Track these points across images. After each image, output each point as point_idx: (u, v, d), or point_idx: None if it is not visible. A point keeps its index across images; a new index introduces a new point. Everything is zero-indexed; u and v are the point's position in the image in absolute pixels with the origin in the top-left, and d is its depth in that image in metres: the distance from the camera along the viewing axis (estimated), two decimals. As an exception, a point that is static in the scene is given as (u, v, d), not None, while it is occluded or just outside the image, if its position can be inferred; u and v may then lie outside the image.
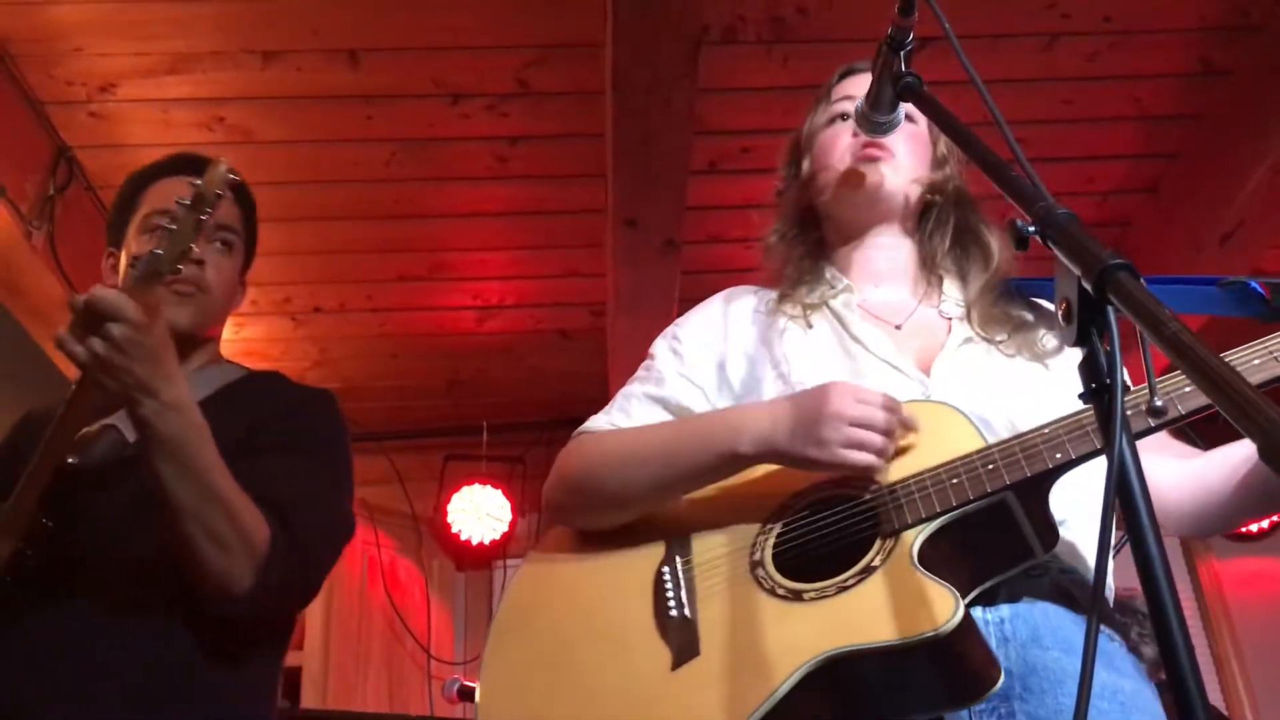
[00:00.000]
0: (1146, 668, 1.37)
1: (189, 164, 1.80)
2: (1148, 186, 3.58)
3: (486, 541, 4.28)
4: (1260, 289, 1.38)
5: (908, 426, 1.31)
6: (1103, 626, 1.33)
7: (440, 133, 3.22)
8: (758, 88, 3.07)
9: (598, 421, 1.59)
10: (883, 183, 1.60)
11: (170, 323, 1.76)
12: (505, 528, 4.31)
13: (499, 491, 4.35)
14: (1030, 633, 1.27)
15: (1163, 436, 1.45)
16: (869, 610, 1.19)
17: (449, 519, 4.29)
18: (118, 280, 1.83)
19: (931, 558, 1.22)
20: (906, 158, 1.62)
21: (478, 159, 3.32)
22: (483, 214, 3.55)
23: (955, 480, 1.25)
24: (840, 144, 1.63)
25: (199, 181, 1.51)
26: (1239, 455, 1.41)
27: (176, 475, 1.51)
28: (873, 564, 1.24)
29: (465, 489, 4.35)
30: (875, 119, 1.41)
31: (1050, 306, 1.60)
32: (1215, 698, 4.18)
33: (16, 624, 1.58)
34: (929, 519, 1.24)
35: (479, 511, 4.32)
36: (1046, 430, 1.26)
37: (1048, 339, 1.53)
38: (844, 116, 1.65)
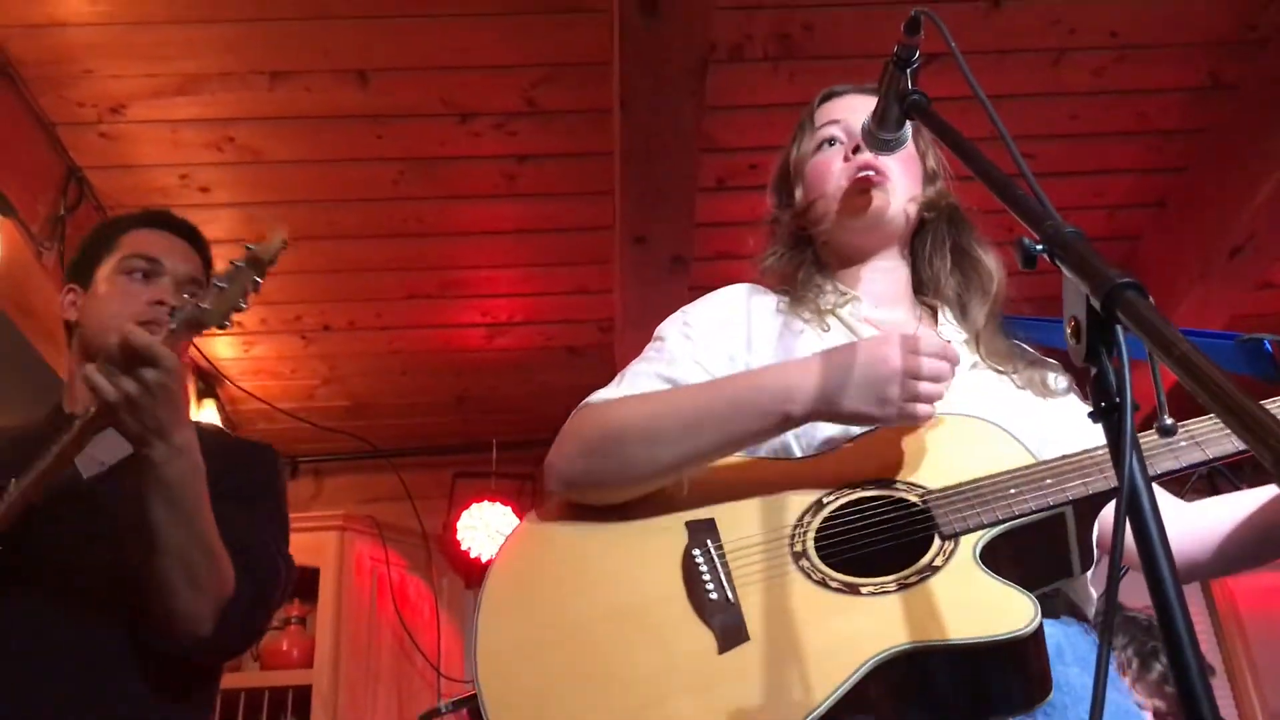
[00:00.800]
0: (1153, 680, 1.37)
1: (163, 219, 1.93)
2: (1156, 200, 3.58)
3: (496, 559, 4.27)
4: (1270, 348, 1.37)
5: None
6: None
7: (449, 151, 3.23)
8: (765, 105, 3.07)
9: (606, 394, 1.50)
10: (885, 207, 1.58)
11: None
12: (515, 545, 4.29)
13: (509, 509, 4.34)
14: (1055, 648, 1.27)
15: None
16: (940, 608, 1.18)
17: (458, 536, 4.28)
18: (75, 314, 1.88)
19: (986, 564, 1.22)
20: (901, 177, 1.59)
21: (486, 177, 3.33)
22: (492, 232, 3.56)
23: (1014, 490, 1.26)
24: (833, 170, 1.61)
25: (255, 246, 1.55)
26: (1237, 503, 1.42)
27: (172, 519, 1.54)
28: (934, 564, 1.23)
29: (475, 506, 4.34)
30: (882, 136, 1.40)
31: (1032, 350, 1.60)
32: (1229, 713, 4.15)
33: None
34: (991, 525, 1.24)
35: (489, 529, 4.30)
36: (1100, 452, 1.26)
37: (1059, 380, 1.53)
38: (831, 141, 1.64)
